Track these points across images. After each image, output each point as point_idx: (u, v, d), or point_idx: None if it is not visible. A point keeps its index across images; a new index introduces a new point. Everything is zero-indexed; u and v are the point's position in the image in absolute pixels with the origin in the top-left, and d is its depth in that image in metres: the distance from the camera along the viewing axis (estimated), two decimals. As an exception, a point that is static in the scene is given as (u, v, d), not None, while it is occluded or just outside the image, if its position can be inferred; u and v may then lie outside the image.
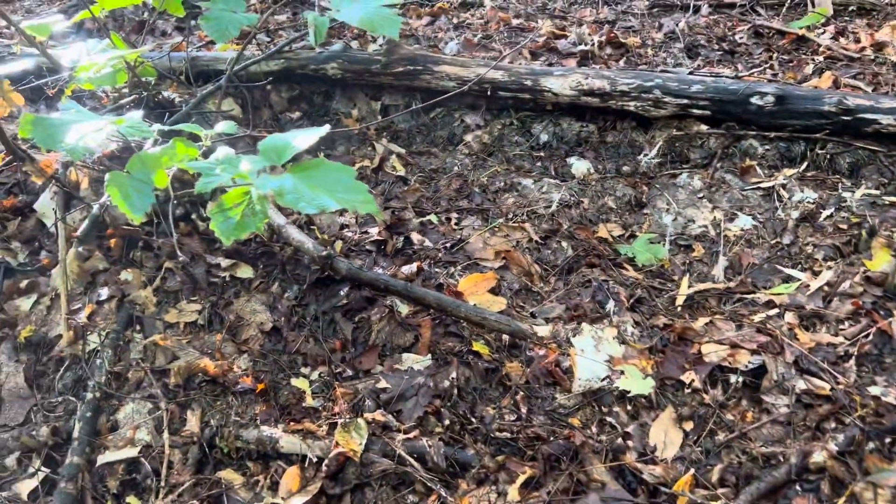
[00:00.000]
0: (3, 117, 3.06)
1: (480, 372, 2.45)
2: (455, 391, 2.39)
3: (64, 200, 2.83)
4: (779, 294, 2.60)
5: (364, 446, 2.22)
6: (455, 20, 4.91)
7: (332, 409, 2.36)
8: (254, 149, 2.19)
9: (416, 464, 2.20)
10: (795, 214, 2.87)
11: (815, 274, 2.65)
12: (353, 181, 1.98)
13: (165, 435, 2.30)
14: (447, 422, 2.31)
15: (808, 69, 3.76)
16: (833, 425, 2.16)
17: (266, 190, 1.91)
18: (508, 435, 2.27)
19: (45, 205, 2.93)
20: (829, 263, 2.68)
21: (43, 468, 2.23)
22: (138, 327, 2.61)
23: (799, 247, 2.77)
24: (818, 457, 2.05)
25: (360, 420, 2.29)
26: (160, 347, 2.53)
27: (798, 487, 2.03)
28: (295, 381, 2.44)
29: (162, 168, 2.14)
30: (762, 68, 3.74)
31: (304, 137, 2.10)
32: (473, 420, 2.32)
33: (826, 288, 2.58)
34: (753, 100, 3.21)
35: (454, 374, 2.41)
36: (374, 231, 2.97)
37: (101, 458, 2.23)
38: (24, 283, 2.74)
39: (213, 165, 2.05)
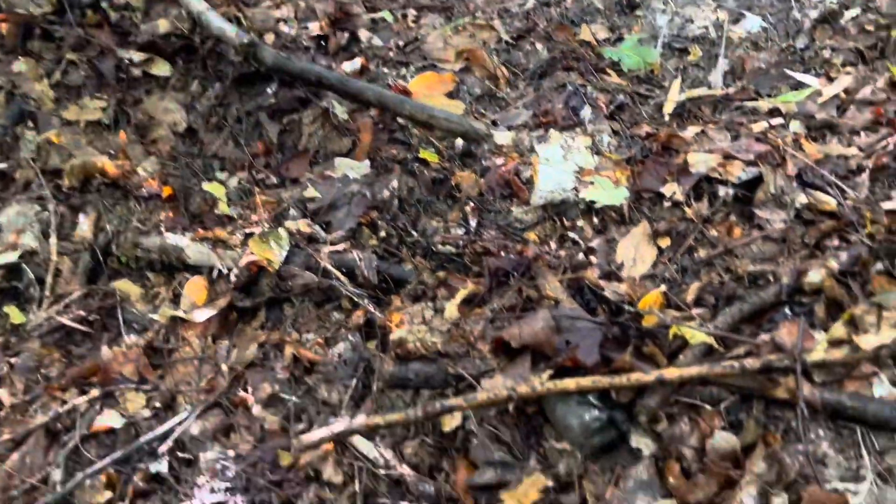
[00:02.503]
0: None
1: (427, 182, 2.09)
2: (395, 202, 2.04)
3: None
4: (786, 102, 2.19)
5: (284, 258, 1.90)
6: None
7: (249, 218, 2.02)
8: None
9: (343, 278, 1.88)
10: (814, 14, 2.41)
11: (831, 80, 2.24)
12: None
13: (53, 239, 1.97)
14: (383, 234, 1.97)
15: None
16: (836, 243, 1.82)
17: None
18: (453, 250, 1.94)
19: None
20: (849, 69, 2.26)
21: None
22: (31, 123, 2.23)
23: (814, 51, 2.34)
24: (815, 276, 1.71)
25: (280, 230, 1.95)
26: (55, 146, 2.16)
27: (788, 311, 1.71)
28: (208, 186, 2.08)
29: None
30: None
31: None
32: (414, 233, 1.98)
33: (843, 95, 2.17)
34: None
35: (395, 184, 2.06)
36: (314, 26, 2.52)
37: (-25, 263, 1.91)
38: None
39: None
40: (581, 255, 1.87)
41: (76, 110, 2.27)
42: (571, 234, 1.94)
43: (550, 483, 1.49)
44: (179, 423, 1.61)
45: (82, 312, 1.85)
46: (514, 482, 1.51)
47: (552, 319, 1.65)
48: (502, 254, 1.88)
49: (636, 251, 1.87)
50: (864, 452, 1.49)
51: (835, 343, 1.61)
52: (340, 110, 2.21)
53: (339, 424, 1.51)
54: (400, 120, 2.19)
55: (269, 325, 1.86)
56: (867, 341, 1.59)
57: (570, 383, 1.52)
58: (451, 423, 1.61)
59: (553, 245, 1.92)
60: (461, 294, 1.79)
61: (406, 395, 1.68)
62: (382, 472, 1.53)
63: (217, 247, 1.93)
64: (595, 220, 1.95)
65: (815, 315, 1.69)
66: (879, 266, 1.75)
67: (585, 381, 1.52)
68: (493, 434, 1.59)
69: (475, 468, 1.55)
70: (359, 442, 1.58)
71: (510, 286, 1.79)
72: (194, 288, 1.87)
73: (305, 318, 1.86)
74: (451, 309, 1.78)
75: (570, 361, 1.57)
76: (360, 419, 1.52)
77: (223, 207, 2.04)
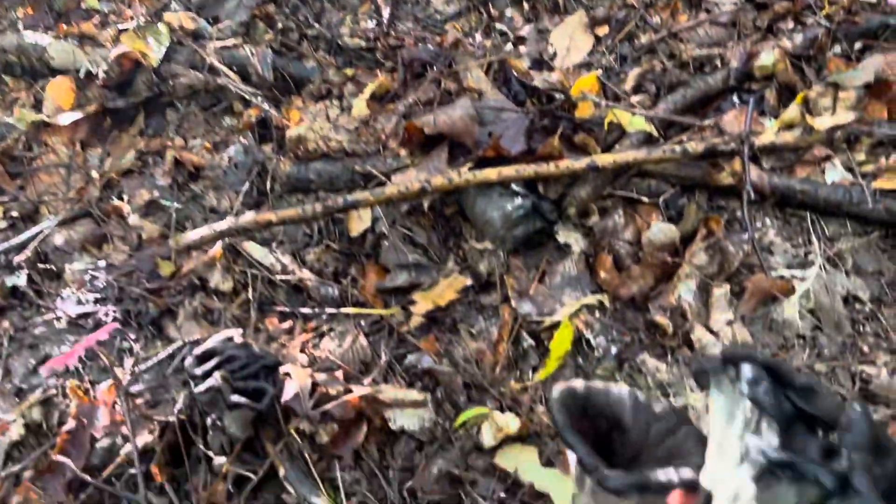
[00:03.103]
0: None
1: (333, -29, 1.81)
2: (297, -7, 1.77)
3: None
4: None
5: (164, 55, 1.62)
6: None
7: (123, 13, 1.72)
8: None
9: (233, 76, 1.62)
10: None
11: None
12: None
13: None
14: (280, 27, 1.71)
15: None
16: (790, 26, 1.63)
17: None
18: (363, 44, 1.69)
19: None
20: None
21: None
22: None
23: None
24: (766, 59, 1.52)
25: (160, 24, 1.66)
26: None
27: (736, 97, 1.53)
28: (73, -24, 1.77)
29: None
30: None
31: None
32: (317, 26, 1.72)
33: None
34: None
35: (296, -28, 1.77)
36: None
37: None
38: None
39: None
40: (509, 46, 1.64)
41: None
42: (499, 26, 1.70)
43: (469, 282, 1.32)
44: (40, 232, 1.38)
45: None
46: (429, 284, 1.34)
47: (473, 109, 1.44)
48: (419, 45, 1.63)
49: (571, 40, 1.65)
50: (813, 239, 1.35)
51: (786, 127, 1.45)
52: None
53: (223, 223, 1.30)
54: None
55: (149, 131, 1.61)
56: (821, 123, 1.42)
57: (491, 173, 1.32)
58: (358, 226, 1.42)
59: (478, 37, 1.68)
60: (370, 88, 1.56)
61: (308, 199, 1.47)
62: (280, 278, 1.34)
63: (84, 44, 1.64)
64: (526, 7, 1.71)
65: (766, 101, 1.51)
66: (837, 49, 1.57)
67: (508, 171, 1.33)
68: (406, 237, 1.40)
69: (386, 273, 1.37)
70: (252, 248, 1.37)
71: (427, 78, 1.56)
72: (58, 90, 1.59)
73: (191, 123, 1.61)
74: (360, 105, 1.54)
75: (492, 151, 1.37)
76: (249, 216, 1.31)
77: (91, 2, 1.73)
